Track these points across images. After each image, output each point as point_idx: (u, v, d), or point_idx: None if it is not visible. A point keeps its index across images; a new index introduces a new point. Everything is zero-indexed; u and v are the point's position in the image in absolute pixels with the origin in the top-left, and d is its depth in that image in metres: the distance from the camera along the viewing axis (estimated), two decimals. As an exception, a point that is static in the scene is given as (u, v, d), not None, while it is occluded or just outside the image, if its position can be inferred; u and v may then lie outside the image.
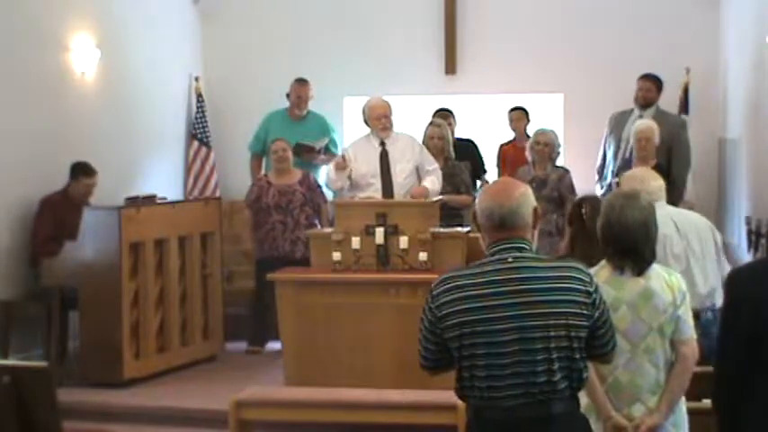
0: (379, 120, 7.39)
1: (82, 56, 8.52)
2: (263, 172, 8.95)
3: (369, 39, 10.21)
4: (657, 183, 5.40)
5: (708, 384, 4.40)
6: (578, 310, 3.33)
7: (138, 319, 7.44)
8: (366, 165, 7.39)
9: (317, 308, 6.76)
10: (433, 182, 7.40)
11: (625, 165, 8.49)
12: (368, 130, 7.57)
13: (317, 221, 8.33)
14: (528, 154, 8.15)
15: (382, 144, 7.42)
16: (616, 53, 9.67)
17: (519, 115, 9.38)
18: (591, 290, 3.37)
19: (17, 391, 3.95)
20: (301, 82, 9.28)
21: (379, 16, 10.25)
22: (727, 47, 9.63)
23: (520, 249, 3.38)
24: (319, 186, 8.49)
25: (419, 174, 7.42)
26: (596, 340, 3.42)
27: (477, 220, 3.48)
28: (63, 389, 6.09)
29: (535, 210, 3.45)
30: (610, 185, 8.50)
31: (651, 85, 8.70)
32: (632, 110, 8.74)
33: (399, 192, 7.30)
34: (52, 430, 4.04)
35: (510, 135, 9.52)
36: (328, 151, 9.17)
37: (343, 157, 7.47)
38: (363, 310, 6.70)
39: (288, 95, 9.31)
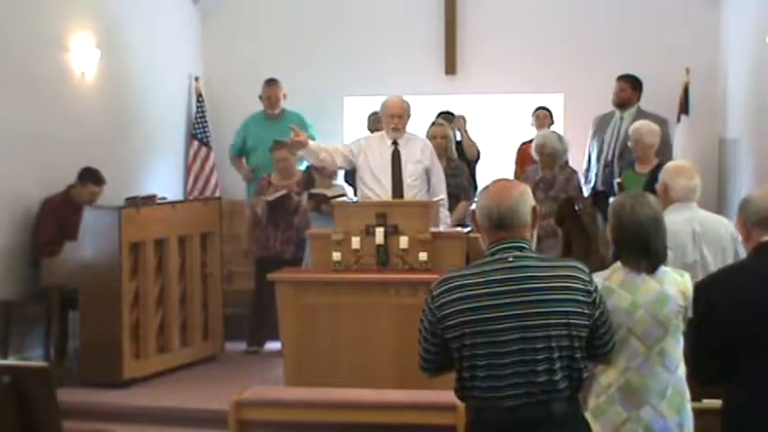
0: (391, 119, 7.26)
1: (82, 56, 8.52)
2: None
3: (369, 39, 10.21)
4: (694, 182, 5.40)
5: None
6: (579, 310, 3.32)
7: (138, 319, 7.44)
8: (378, 161, 7.27)
9: (317, 308, 6.75)
10: (445, 216, 7.33)
11: (606, 167, 8.48)
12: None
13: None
14: (534, 156, 8.14)
15: (395, 143, 7.28)
16: (616, 53, 9.66)
17: (544, 114, 9.33)
18: (591, 289, 3.37)
19: (17, 391, 3.94)
20: (270, 82, 9.41)
21: (378, 16, 10.25)
22: (727, 47, 9.62)
23: (520, 249, 3.36)
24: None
25: (428, 177, 7.31)
26: (596, 340, 3.43)
27: (477, 220, 3.46)
28: (63, 389, 6.09)
29: (534, 209, 3.43)
30: (594, 187, 8.48)
31: (625, 85, 8.79)
32: (614, 111, 8.78)
33: (408, 193, 7.20)
34: (52, 430, 4.03)
35: (529, 134, 9.27)
36: None
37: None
38: (363, 310, 6.69)
39: (260, 97, 9.42)
